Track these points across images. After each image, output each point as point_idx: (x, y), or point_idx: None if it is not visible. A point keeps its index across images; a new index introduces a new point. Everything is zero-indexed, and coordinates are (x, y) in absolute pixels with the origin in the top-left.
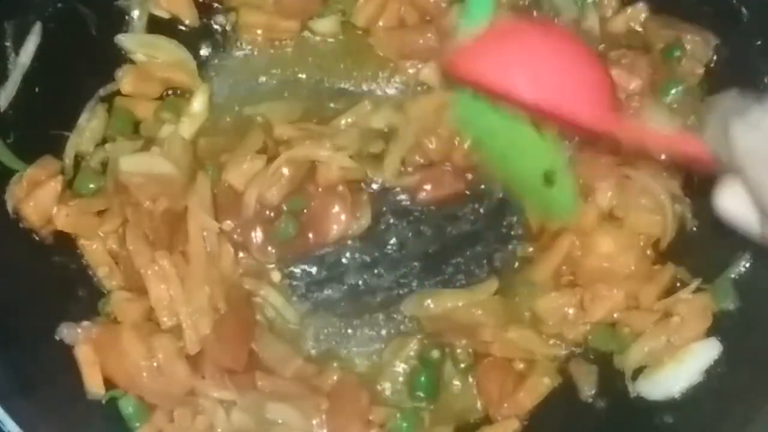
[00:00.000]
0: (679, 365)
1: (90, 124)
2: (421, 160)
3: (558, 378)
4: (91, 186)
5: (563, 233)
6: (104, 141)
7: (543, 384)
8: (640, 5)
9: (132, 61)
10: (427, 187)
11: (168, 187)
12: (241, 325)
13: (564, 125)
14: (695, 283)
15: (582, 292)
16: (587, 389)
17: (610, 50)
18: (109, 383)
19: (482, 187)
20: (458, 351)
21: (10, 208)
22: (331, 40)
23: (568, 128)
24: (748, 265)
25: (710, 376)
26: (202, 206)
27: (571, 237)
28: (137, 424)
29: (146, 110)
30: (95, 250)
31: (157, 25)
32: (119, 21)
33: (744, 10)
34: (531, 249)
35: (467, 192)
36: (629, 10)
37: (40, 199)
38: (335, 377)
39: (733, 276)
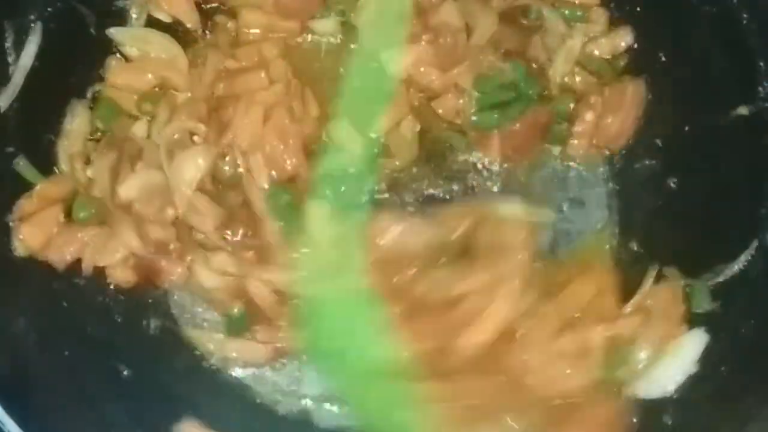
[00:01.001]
0: (673, 359)
1: (73, 124)
2: None
3: None
4: (84, 214)
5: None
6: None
7: None
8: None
9: (123, 55)
10: None
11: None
12: None
13: None
14: (651, 277)
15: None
16: None
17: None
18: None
19: None
20: None
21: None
22: (331, 40)
23: None
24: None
25: (709, 375)
26: None
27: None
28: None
29: (131, 103)
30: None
31: (158, 27)
32: (119, 21)
33: None
34: None
35: None
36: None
37: (38, 224)
38: None
39: (709, 283)
